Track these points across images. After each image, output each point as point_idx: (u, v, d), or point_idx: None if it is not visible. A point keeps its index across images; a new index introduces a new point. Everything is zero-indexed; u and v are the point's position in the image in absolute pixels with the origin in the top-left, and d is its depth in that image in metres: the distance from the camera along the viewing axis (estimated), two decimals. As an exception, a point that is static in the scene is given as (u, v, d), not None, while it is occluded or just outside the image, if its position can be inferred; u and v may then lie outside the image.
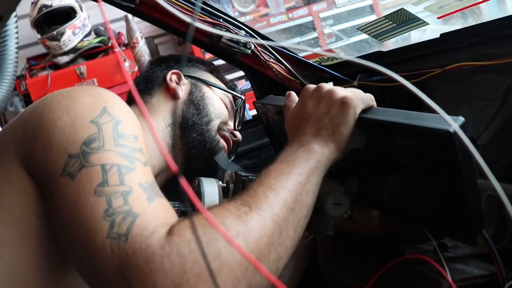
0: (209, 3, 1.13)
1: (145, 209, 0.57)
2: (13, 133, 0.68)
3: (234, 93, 1.12)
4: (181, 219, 0.57)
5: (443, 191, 0.63)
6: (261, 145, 1.39)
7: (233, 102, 1.13)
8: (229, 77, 3.10)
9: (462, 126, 0.54)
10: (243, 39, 1.08)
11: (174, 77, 1.05)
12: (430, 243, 0.73)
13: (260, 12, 3.35)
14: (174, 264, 0.50)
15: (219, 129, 1.04)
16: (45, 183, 0.63)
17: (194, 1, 1.02)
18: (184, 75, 1.07)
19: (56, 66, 3.16)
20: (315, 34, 3.41)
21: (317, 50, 0.86)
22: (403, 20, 1.02)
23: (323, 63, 1.25)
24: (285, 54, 1.20)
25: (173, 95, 1.02)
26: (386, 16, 1.03)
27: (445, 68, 0.95)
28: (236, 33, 1.09)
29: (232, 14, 2.95)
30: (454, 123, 0.53)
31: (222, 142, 1.04)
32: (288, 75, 1.20)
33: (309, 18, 3.34)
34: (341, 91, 0.71)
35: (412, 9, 1.01)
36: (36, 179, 0.64)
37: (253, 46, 1.12)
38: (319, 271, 0.98)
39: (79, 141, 0.62)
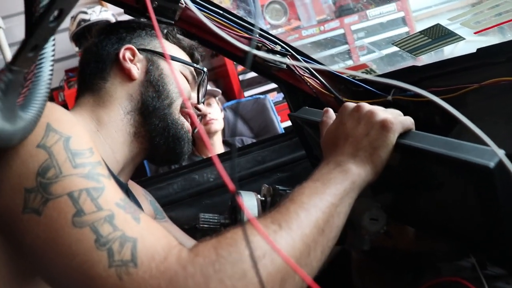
0: (242, 17, 1.16)
1: (139, 231, 0.55)
2: None
3: (195, 66, 1.01)
4: (200, 241, 0.56)
5: (481, 218, 0.62)
6: (295, 159, 1.40)
7: (194, 72, 1.02)
8: (261, 89, 3.14)
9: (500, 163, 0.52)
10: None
11: (127, 54, 0.93)
12: (468, 260, 0.73)
13: (291, 24, 3.37)
14: (199, 284, 0.50)
15: (181, 108, 0.96)
16: (5, 223, 0.57)
17: (235, 19, 1.04)
18: (138, 49, 0.95)
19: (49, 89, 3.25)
20: (346, 47, 3.40)
21: (365, 75, 0.85)
22: (438, 35, 1.02)
23: (357, 78, 1.25)
24: (320, 68, 1.22)
25: (129, 76, 0.92)
26: (422, 32, 1.04)
27: (482, 83, 0.94)
28: (272, 48, 1.11)
29: (263, 27, 2.99)
30: (497, 153, 0.52)
31: (187, 125, 0.96)
32: (322, 89, 1.21)
33: (341, 31, 3.34)
34: (381, 113, 0.70)
35: (448, 24, 1.01)
36: None
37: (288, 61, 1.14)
38: (352, 286, 0.98)
39: (32, 172, 0.56)
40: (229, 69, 3.08)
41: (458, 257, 0.76)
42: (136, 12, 1.06)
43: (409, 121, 0.71)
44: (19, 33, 3.28)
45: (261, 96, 2.61)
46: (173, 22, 1.06)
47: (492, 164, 0.53)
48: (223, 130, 2.37)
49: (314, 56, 1.26)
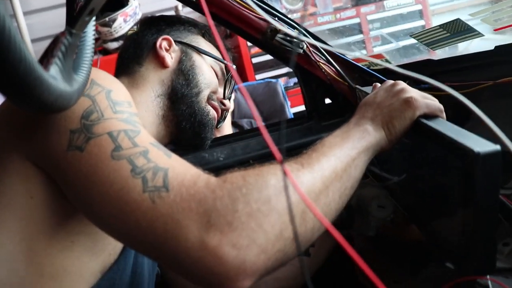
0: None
1: (170, 163, 0.60)
2: (2, 121, 0.69)
3: (226, 62, 1.08)
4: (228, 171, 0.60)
5: (457, 216, 0.63)
6: (307, 143, 1.40)
7: (224, 69, 1.09)
8: (274, 73, 3.14)
9: (493, 154, 0.54)
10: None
11: (164, 44, 1.00)
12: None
13: (307, 10, 3.36)
14: (226, 205, 0.53)
15: (209, 99, 1.01)
16: (50, 163, 0.63)
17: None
18: (175, 41, 1.02)
19: (106, 52, 3.27)
20: (361, 36, 3.39)
21: (388, 65, 0.86)
22: (458, 30, 1.02)
23: (371, 67, 1.26)
24: (336, 55, 1.22)
25: (162, 64, 0.99)
26: (441, 26, 1.04)
27: (497, 81, 0.95)
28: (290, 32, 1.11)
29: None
30: (488, 146, 0.53)
31: (212, 113, 1.02)
32: (337, 76, 1.22)
33: (357, 20, 3.32)
34: (411, 92, 0.75)
35: (468, 20, 1.02)
36: (35, 162, 0.65)
37: (305, 46, 1.15)
38: (354, 272, 1.00)
39: (77, 116, 0.62)
40: (242, 51, 3.08)
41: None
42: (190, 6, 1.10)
43: (437, 107, 0.75)
44: (34, 2, 3.30)
45: (273, 80, 2.61)
46: (194, 0, 1.07)
47: (480, 151, 0.54)
48: (233, 112, 2.38)
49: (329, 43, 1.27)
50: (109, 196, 0.57)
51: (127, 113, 0.65)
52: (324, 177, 0.61)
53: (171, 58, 0.99)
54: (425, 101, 0.74)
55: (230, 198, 0.54)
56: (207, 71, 1.02)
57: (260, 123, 0.40)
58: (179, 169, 0.59)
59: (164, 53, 0.99)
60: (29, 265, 0.65)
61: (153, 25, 1.05)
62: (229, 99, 1.11)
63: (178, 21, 1.07)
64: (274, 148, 0.38)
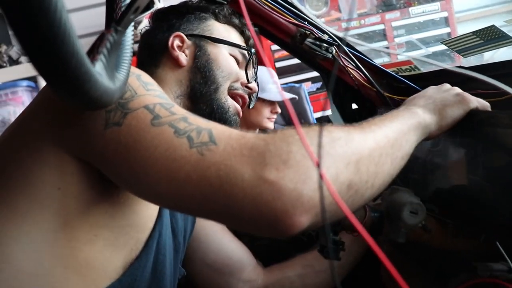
0: (293, 3, 1.17)
1: (212, 124, 0.60)
2: (34, 111, 0.70)
3: (242, 47, 1.02)
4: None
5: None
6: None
7: (244, 51, 1.03)
8: (296, 78, 3.13)
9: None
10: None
11: (176, 42, 0.97)
12: (504, 263, 0.73)
13: (331, 16, 3.35)
14: (280, 147, 0.54)
15: (230, 89, 0.98)
16: (87, 147, 0.63)
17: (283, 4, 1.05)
18: (187, 36, 0.98)
19: (133, 53, 3.31)
20: (385, 43, 3.37)
21: (445, 65, 0.89)
22: (492, 37, 1.01)
23: (400, 73, 1.25)
24: (364, 61, 1.22)
25: (178, 63, 0.96)
26: (474, 32, 1.02)
27: (533, 89, 0.93)
28: (320, 37, 1.11)
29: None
30: None
31: (233, 108, 0.98)
32: (365, 82, 1.21)
33: (381, 26, 3.30)
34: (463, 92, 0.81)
35: (502, 26, 1.00)
36: (69, 150, 0.65)
37: (334, 51, 1.14)
38: (380, 278, 0.99)
39: None
40: (266, 55, 3.08)
41: (494, 259, 0.76)
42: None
43: (487, 104, 0.81)
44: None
45: (296, 85, 2.61)
46: (225, 3, 1.08)
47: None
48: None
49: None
50: (155, 159, 0.57)
51: (158, 91, 0.67)
52: (376, 139, 0.62)
53: (185, 56, 0.97)
54: (476, 98, 0.80)
55: (284, 142, 0.55)
56: (224, 62, 0.98)
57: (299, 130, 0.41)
58: (222, 128, 0.60)
59: (177, 52, 0.96)
60: (54, 257, 0.66)
61: (164, 20, 1.02)
62: (254, 80, 1.07)
63: (187, 11, 1.02)
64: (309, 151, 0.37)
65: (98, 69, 0.44)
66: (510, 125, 0.73)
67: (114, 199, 0.71)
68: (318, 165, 0.48)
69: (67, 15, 0.34)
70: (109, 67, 0.48)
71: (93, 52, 0.45)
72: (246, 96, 1.02)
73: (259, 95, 1.98)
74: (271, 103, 1.97)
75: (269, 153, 0.54)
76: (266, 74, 2.09)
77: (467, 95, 0.79)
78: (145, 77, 0.69)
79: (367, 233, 0.40)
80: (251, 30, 0.57)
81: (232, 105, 0.98)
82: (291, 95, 2.15)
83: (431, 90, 0.83)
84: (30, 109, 0.71)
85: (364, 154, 0.58)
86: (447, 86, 0.83)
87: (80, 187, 0.67)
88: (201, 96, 0.94)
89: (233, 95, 0.99)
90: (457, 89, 0.81)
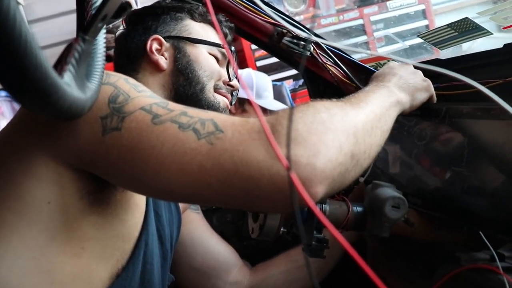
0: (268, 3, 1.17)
1: (212, 114, 0.61)
2: (21, 123, 0.68)
3: (221, 45, 1.00)
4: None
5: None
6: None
7: (223, 51, 1.01)
8: (277, 76, 3.14)
9: None
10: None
11: (154, 45, 0.95)
12: (486, 251, 0.74)
13: (310, 12, 3.36)
14: (286, 126, 0.57)
15: (215, 88, 0.97)
16: (84, 156, 0.63)
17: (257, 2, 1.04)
18: (164, 38, 0.96)
19: (109, 58, 3.26)
20: (364, 37, 3.39)
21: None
22: (466, 29, 1.02)
23: (379, 68, 1.25)
24: (343, 57, 1.22)
25: (158, 67, 0.94)
26: (449, 25, 1.03)
27: (507, 79, 0.94)
28: (297, 35, 1.11)
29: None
30: None
31: (223, 102, 0.98)
32: (344, 78, 1.22)
33: (360, 21, 3.32)
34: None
35: (475, 18, 1.01)
36: (63, 161, 0.64)
37: (312, 48, 1.14)
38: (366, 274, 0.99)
39: (104, 103, 0.62)
40: (247, 55, 3.08)
41: (476, 248, 0.77)
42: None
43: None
44: (39, 10, 3.31)
45: (278, 83, 2.60)
46: (200, 4, 1.07)
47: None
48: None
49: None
50: (164, 156, 0.58)
51: (149, 91, 0.67)
52: (366, 114, 0.66)
53: (165, 59, 0.94)
54: None
55: (288, 121, 0.57)
56: (205, 62, 0.96)
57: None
58: (223, 116, 0.61)
59: (156, 56, 0.94)
60: (40, 272, 0.65)
61: (139, 22, 0.99)
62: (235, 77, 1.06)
63: (162, 12, 1.00)
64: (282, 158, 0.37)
65: (66, 80, 0.43)
66: (486, 116, 0.74)
67: (102, 210, 0.70)
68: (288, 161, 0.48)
69: (28, 28, 0.33)
70: (79, 77, 0.47)
71: (61, 63, 0.44)
72: (229, 95, 1.02)
73: (258, 102, 2.00)
74: (264, 110, 1.99)
75: (277, 134, 0.56)
76: (264, 81, 2.10)
77: (429, 81, 0.89)
78: (132, 79, 0.68)
79: (333, 227, 0.40)
80: (217, 27, 0.57)
81: (221, 100, 0.97)
82: (284, 106, 2.18)
83: (398, 67, 0.88)
84: (16, 121, 0.70)
85: (359, 127, 0.63)
86: (411, 67, 0.89)
87: (69, 200, 0.66)
88: (187, 98, 0.92)
89: (218, 94, 0.98)
90: (421, 74, 0.89)
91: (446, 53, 1.20)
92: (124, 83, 0.65)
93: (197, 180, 0.58)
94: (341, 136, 0.59)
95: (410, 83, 0.85)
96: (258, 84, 2.03)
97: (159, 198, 0.65)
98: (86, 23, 0.47)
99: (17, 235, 0.63)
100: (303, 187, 0.53)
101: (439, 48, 1.14)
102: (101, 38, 0.58)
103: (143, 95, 0.64)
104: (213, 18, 0.52)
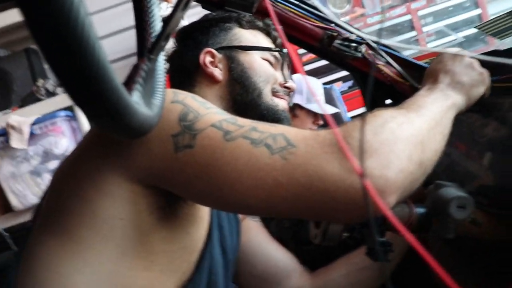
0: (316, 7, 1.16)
1: (282, 128, 0.63)
2: (93, 142, 0.71)
3: (273, 49, 1.01)
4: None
5: None
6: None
7: (276, 54, 1.03)
8: (327, 78, 3.11)
9: None
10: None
11: (207, 58, 0.96)
12: None
13: (356, 12, 3.31)
14: (357, 139, 0.58)
15: (272, 92, 0.97)
16: (157, 174, 0.65)
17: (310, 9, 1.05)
18: (217, 50, 0.97)
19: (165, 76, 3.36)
20: (413, 33, 3.30)
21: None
22: (528, 17, 0.97)
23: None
24: (395, 56, 1.20)
25: (214, 80, 0.95)
26: (509, 13, 0.99)
27: None
28: (347, 37, 1.11)
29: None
30: None
31: (282, 105, 0.98)
32: (397, 77, 1.19)
33: (408, 17, 3.24)
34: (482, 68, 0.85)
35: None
36: (136, 178, 0.66)
37: (363, 49, 1.13)
38: (430, 275, 0.97)
39: (175, 121, 0.64)
40: (294, 59, 3.07)
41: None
42: (213, 6, 1.10)
43: None
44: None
45: (327, 86, 2.59)
46: (251, 14, 1.08)
47: None
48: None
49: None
50: (239, 172, 0.60)
51: (216, 108, 0.69)
52: (428, 120, 0.67)
53: (219, 71, 0.95)
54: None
55: (359, 133, 0.58)
56: (259, 67, 0.97)
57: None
58: (293, 130, 0.63)
59: (211, 68, 0.95)
60: (114, 286, 0.67)
61: (189, 38, 1.01)
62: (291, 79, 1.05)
63: (210, 24, 1.01)
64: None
65: (135, 98, 0.46)
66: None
67: (171, 224, 0.73)
68: (361, 171, 0.48)
69: (104, 53, 0.35)
70: (146, 95, 0.49)
71: (129, 83, 0.47)
72: (287, 97, 1.02)
73: (305, 106, 2.00)
74: (314, 114, 1.98)
75: (349, 146, 0.58)
76: (315, 85, 2.10)
77: (486, 72, 0.85)
78: (199, 97, 0.70)
79: (409, 232, 0.40)
80: (279, 30, 0.59)
81: (279, 102, 0.98)
82: (336, 109, 2.16)
83: (450, 62, 0.85)
84: (89, 140, 0.73)
85: (425, 134, 0.64)
86: (466, 59, 0.85)
87: (141, 216, 0.68)
88: (246, 106, 0.93)
89: (276, 97, 0.98)
90: (477, 65, 0.85)
91: (504, 43, 1.16)
92: (192, 100, 0.67)
93: (272, 194, 0.59)
94: (410, 145, 0.60)
95: (464, 81, 0.81)
96: (308, 88, 2.04)
97: (233, 212, 0.67)
98: (150, 43, 0.49)
99: (93, 251, 0.66)
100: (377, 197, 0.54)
101: (498, 38, 1.09)
102: (161, 56, 0.60)
103: (212, 111, 0.66)
104: (272, 17, 0.53)
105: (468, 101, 0.81)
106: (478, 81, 0.83)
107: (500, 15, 1.00)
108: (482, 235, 0.82)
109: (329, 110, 2.13)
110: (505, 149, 0.81)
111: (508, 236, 0.80)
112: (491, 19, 1.04)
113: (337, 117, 2.50)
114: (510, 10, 0.98)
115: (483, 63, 0.87)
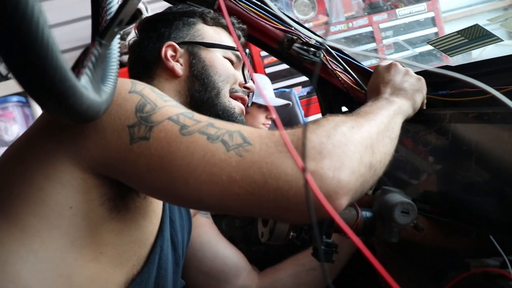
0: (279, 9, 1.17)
1: (238, 126, 0.63)
2: (44, 128, 0.69)
3: (235, 50, 1.00)
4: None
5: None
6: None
7: (237, 53, 1.01)
8: (286, 83, 3.15)
9: None
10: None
11: (169, 52, 0.94)
12: (496, 258, 0.74)
13: (319, 20, 3.37)
14: (312, 140, 0.59)
15: (231, 92, 0.96)
16: (111, 163, 0.64)
17: (269, 9, 1.05)
18: (179, 44, 0.95)
19: (121, 64, 3.30)
20: (373, 44, 3.39)
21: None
22: (476, 36, 1.02)
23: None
24: (352, 64, 1.23)
25: (173, 74, 0.94)
26: (459, 32, 1.04)
27: (518, 85, 0.94)
28: (307, 41, 1.12)
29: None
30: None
31: (238, 108, 0.97)
32: (353, 84, 1.22)
33: (369, 28, 3.33)
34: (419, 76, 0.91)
35: (486, 25, 1.01)
36: (89, 167, 0.65)
37: (322, 55, 1.15)
38: (376, 278, 0.99)
39: (131, 111, 0.63)
40: (256, 61, 3.09)
41: (486, 254, 0.77)
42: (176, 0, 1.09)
43: None
44: (51, 17, 3.35)
45: (287, 90, 2.62)
46: (212, 10, 1.08)
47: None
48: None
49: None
50: (194, 166, 0.59)
51: (174, 101, 0.68)
52: (377, 125, 0.70)
53: (180, 65, 0.94)
54: None
55: (314, 134, 0.60)
56: (220, 66, 0.96)
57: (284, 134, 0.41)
58: (250, 128, 0.63)
59: (172, 62, 0.94)
60: (60, 276, 0.65)
61: (152, 29, 0.99)
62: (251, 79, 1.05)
63: (175, 18, 0.99)
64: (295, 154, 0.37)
65: (83, 83, 0.44)
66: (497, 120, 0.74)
67: (122, 216, 0.71)
68: (304, 169, 0.48)
69: (50, 31, 0.34)
70: (95, 80, 0.48)
71: (78, 66, 0.45)
72: (246, 97, 1.02)
73: (254, 100, 2.00)
74: (266, 108, 1.98)
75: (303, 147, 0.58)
76: (261, 80, 2.10)
77: (423, 80, 0.92)
78: (157, 89, 0.69)
79: (355, 235, 0.40)
80: (230, 27, 0.59)
81: (236, 105, 0.97)
82: (286, 101, 2.16)
83: (386, 73, 0.92)
84: (39, 125, 0.70)
85: (374, 138, 0.66)
86: (399, 66, 0.92)
87: (91, 206, 0.67)
88: (203, 104, 0.92)
89: (235, 98, 0.98)
90: (412, 72, 0.92)
91: (456, 60, 1.21)
92: (150, 92, 0.66)
93: (226, 190, 0.59)
94: (361, 147, 0.61)
95: (405, 87, 0.88)
96: (255, 83, 2.03)
97: (185, 206, 0.66)
98: (103, 28, 0.48)
99: (38, 238, 0.64)
100: (329, 199, 0.56)
101: (449, 54, 1.14)
102: (116, 43, 0.59)
103: (169, 104, 0.65)
104: (227, 19, 0.53)
105: (413, 105, 0.86)
106: (418, 85, 0.90)
107: (451, 33, 1.05)
108: (424, 240, 0.85)
109: (276, 102, 2.13)
110: (447, 159, 0.85)
111: (447, 242, 0.83)
112: (443, 36, 1.08)
113: (295, 121, 2.54)
114: (460, 29, 1.02)
115: (439, 76, 0.92)
